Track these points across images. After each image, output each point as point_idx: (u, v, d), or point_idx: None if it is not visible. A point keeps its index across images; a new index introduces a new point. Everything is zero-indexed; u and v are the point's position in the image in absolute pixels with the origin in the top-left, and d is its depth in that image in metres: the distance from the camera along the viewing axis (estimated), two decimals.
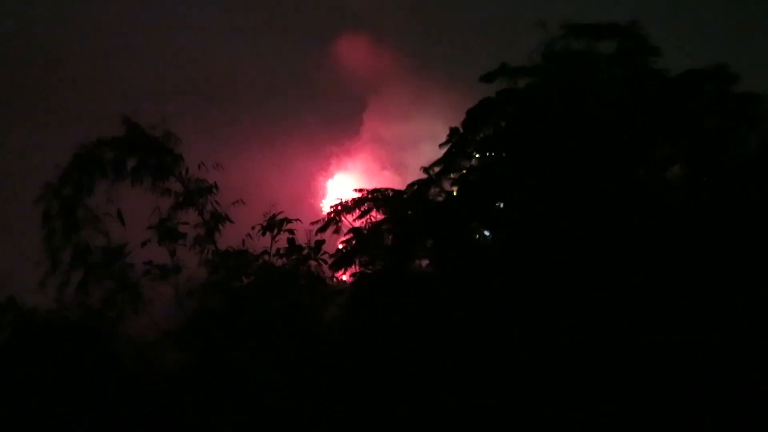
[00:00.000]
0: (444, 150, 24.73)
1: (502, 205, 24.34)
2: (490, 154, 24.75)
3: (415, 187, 24.75)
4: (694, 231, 21.22)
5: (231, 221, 23.76)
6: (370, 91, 70.59)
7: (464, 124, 24.52)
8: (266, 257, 23.92)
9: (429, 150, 25.09)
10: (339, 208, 25.16)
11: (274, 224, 23.95)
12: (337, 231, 25.13)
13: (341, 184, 64.18)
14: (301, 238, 24.06)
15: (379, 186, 25.59)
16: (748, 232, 20.92)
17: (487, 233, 24.49)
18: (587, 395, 19.75)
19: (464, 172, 24.64)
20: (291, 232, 24.03)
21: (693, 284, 20.34)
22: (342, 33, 71.73)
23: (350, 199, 25.17)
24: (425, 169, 24.64)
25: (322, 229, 24.91)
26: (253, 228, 23.93)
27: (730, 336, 19.31)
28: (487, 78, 24.18)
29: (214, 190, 23.68)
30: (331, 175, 66.77)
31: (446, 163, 24.52)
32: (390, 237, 24.51)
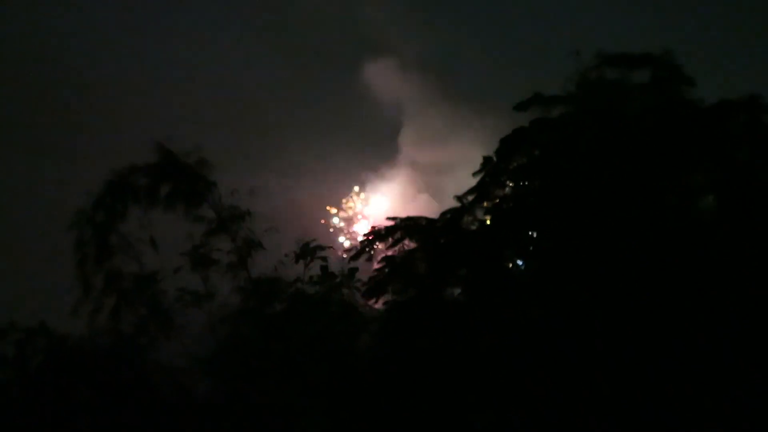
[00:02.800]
0: (477, 178, 24.68)
1: (535, 234, 24.23)
2: (523, 183, 24.70)
3: (448, 215, 24.68)
4: (725, 259, 21.17)
5: (264, 248, 23.76)
6: (405, 117, 71.35)
7: (498, 152, 24.50)
8: (299, 284, 23.91)
9: (466, 174, 25.01)
10: (372, 236, 25.08)
11: (307, 251, 23.98)
12: (369, 259, 25.03)
13: (377, 210, 64.40)
14: (334, 265, 24.14)
15: (415, 211, 25.52)
16: None
17: (520, 262, 24.39)
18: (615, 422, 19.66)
19: (497, 200, 24.57)
20: (324, 259, 24.07)
21: (724, 313, 20.26)
22: (375, 60, 72.58)
23: (383, 227, 25.08)
24: (458, 198, 24.57)
25: (355, 257, 24.81)
26: (286, 255, 23.97)
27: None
28: (521, 107, 24.21)
29: (247, 217, 23.71)
30: (367, 201, 67.07)
31: (479, 191, 24.45)
32: (423, 265, 24.39)
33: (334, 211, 66.37)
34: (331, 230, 66.51)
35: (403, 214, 25.37)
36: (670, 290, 20.72)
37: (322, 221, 66.10)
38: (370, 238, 25.13)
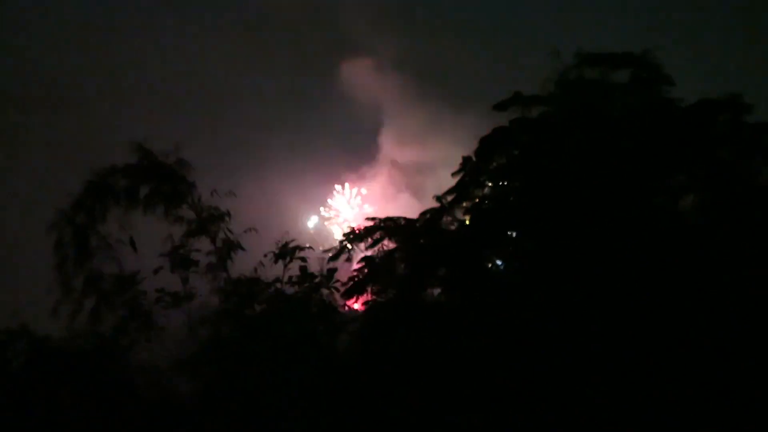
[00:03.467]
0: (457, 178, 24.62)
1: (515, 234, 24.20)
2: (503, 183, 24.65)
3: (428, 215, 24.66)
4: (706, 259, 21.12)
5: (243, 249, 23.81)
6: (385, 117, 71.36)
7: (477, 152, 24.41)
8: (278, 285, 23.96)
9: (447, 173, 24.99)
10: (351, 236, 25.10)
11: (286, 252, 24.02)
12: (349, 259, 25.05)
13: (357, 209, 64.69)
14: (313, 266, 24.18)
15: (396, 210, 25.55)
16: (760, 261, 20.87)
17: (499, 263, 24.37)
18: (596, 422, 19.71)
19: (477, 200, 24.52)
20: (303, 259, 24.11)
21: (706, 313, 20.24)
22: (352, 60, 72.45)
23: (363, 228, 25.09)
24: (438, 198, 24.54)
25: (335, 258, 24.83)
26: (265, 256, 24.02)
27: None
28: (501, 107, 24.10)
29: (227, 218, 23.76)
30: (347, 201, 67.29)
31: (459, 191, 24.39)
32: (402, 266, 24.41)
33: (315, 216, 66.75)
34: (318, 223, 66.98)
35: (383, 214, 25.40)
36: (655, 291, 20.71)
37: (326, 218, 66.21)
38: (350, 238, 25.12)
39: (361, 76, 72.80)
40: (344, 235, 25.49)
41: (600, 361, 20.36)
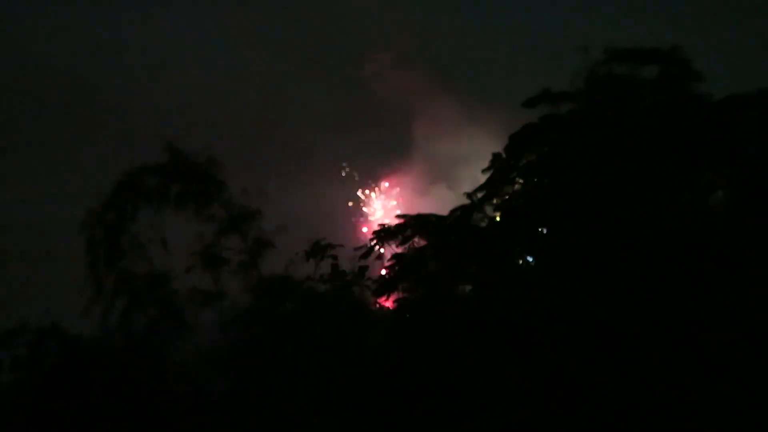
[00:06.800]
0: (487, 175, 24.61)
1: (545, 230, 24.14)
2: (533, 179, 24.59)
3: (458, 212, 24.60)
4: (735, 256, 21.05)
5: (274, 247, 23.78)
6: (416, 110, 71.67)
7: (507, 149, 24.41)
8: (310, 283, 23.93)
9: (482, 165, 24.89)
10: (382, 234, 25.06)
11: (317, 250, 24.01)
12: (380, 257, 25.01)
13: (390, 203, 64.82)
14: (345, 263, 24.20)
15: (430, 203, 25.50)
16: None
17: (530, 259, 24.32)
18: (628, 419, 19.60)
19: (507, 197, 24.49)
20: (334, 257, 24.10)
21: (734, 312, 20.17)
22: (380, 55, 72.71)
23: (393, 225, 25.05)
24: (468, 195, 24.52)
25: (365, 255, 24.79)
26: (296, 254, 24.01)
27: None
28: (529, 103, 24.08)
29: (258, 216, 23.73)
30: (380, 196, 67.46)
31: (489, 188, 24.37)
32: (433, 263, 24.35)
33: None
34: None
35: (418, 207, 25.39)
36: (682, 289, 20.65)
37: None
38: (381, 236, 25.09)
39: (390, 70, 73.01)
40: (375, 232, 25.44)
41: (629, 364, 20.29)
